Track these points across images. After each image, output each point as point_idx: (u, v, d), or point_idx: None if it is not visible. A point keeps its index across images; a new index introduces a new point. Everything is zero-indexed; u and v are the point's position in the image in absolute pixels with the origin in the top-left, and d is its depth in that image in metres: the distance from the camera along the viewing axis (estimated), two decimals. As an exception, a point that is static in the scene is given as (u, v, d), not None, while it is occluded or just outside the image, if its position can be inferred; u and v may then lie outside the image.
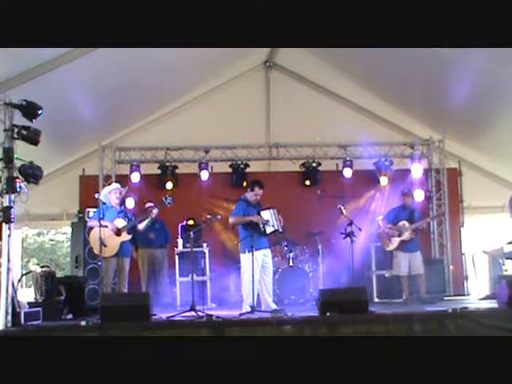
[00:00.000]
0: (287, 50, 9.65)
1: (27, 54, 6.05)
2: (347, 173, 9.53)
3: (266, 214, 6.66)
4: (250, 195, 6.75)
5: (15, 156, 5.05)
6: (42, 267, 6.98)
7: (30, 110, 5.18)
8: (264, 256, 6.62)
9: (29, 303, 5.80)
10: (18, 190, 4.98)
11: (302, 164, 9.81)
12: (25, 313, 5.21)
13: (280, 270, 8.20)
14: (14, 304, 5.06)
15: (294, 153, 9.78)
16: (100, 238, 6.39)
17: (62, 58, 6.61)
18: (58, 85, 7.12)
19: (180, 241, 8.50)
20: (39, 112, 5.24)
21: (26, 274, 8.31)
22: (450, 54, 6.92)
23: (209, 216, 7.44)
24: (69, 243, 12.82)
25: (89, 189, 8.84)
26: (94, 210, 7.58)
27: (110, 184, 8.15)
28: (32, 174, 5.16)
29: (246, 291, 6.47)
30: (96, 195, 7.01)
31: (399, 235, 7.74)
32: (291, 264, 8.31)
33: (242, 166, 9.61)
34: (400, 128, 10.36)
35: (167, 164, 9.53)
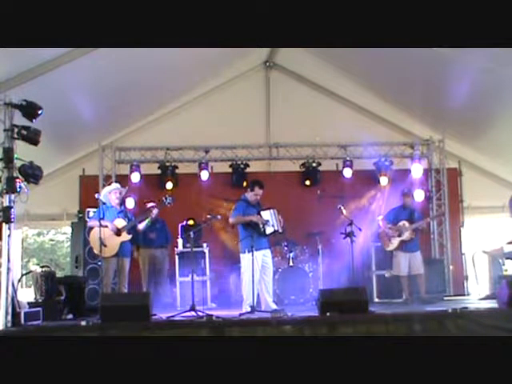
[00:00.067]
0: (287, 49, 9.65)
1: (27, 54, 6.05)
2: (347, 173, 9.53)
3: (266, 215, 6.66)
4: (249, 195, 6.75)
5: (15, 156, 5.06)
6: (42, 267, 6.99)
7: (30, 110, 5.18)
8: (264, 256, 6.62)
9: (29, 303, 5.81)
10: (18, 189, 4.99)
11: (302, 164, 9.81)
12: (25, 313, 5.21)
13: (280, 269, 8.20)
14: (14, 304, 5.07)
15: (294, 153, 9.79)
16: (100, 238, 6.39)
17: (62, 57, 6.61)
18: (58, 85, 7.12)
19: (180, 241, 8.50)
20: (39, 112, 5.25)
21: (26, 274, 8.31)
22: (449, 54, 6.92)
23: (209, 216, 7.44)
24: (69, 243, 12.82)
25: (89, 189, 8.84)
26: (94, 210, 7.58)
27: (109, 184, 8.15)
28: (32, 174, 5.16)
29: (246, 291, 6.47)
30: (96, 195, 7.01)
31: (399, 235, 7.74)
32: (291, 264, 8.31)
33: (242, 166, 9.61)
34: (400, 128, 10.36)
35: (167, 164, 9.53)
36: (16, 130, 5.07)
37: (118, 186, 7.17)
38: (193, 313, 6.04)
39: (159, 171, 9.54)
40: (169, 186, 9.39)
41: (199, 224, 7.87)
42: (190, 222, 8.55)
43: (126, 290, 6.82)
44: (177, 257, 8.39)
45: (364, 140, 9.51)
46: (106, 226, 6.60)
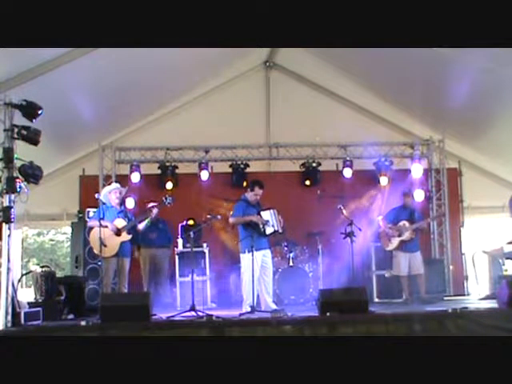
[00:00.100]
0: (287, 49, 9.65)
1: (27, 54, 6.05)
2: (347, 173, 9.52)
3: (266, 215, 6.66)
4: (249, 195, 6.75)
5: (15, 156, 5.06)
6: (42, 267, 6.99)
7: (30, 110, 5.18)
8: (264, 256, 6.62)
9: (29, 303, 5.80)
10: (18, 190, 4.99)
11: (302, 164, 9.81)
12: (25, 313, 5.21)
13: (280, 270, 8.20)
14: (14, 304, 5.07)
15: (294, 153, 9.78)
16: (100, 238, 6.39)
17: (62, 57, 6.60)
18: (58, 85, 7.11)
19: (180, 241, 8.49)
20: (39, 112, 5.25)
21: (26, 274, 8.31)
22: (450, 54, 6.92)
23: (209, 216, 7.44)
24: (69, 243, 12.82)
25: (89, 189, 8.84)
26: (94, 210, 7.57)
27: (110, 184, 8.14)
28: (32, 173, 5.16)
29: (246, 291, 6.47)
30: (96, 195, 7.01)
31: (399, 235, 7.74)
32: (291, 264, 8.31)
33: (242, 166, 9.61)
34: (400, 128, 10.36)
35: (167, 164, 9.53)
36: (16, 130, 5.07)
37: (117, 185, 7.17)
38: (193, 313, 6.04)
39: (159, 171, 9.54)
40: (169, 185, 9.39)
41: (199, 224, 7.87)
42: (190, 222, 8.54)
43: (125, 290, 6.81)
44: (177, 257, 8.38)
45: (364, 140, 9.52)
46: (106, 226, 6.60)
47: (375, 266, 8.70)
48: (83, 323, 5.12)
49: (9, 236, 4.95)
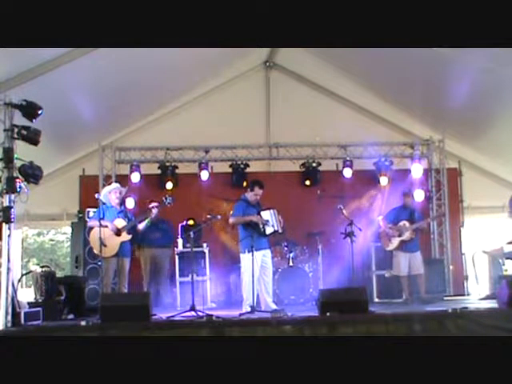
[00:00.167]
0: (287, 50, 9.65)
1: (27, 54, 6.05)
2: (347, 173, 9.52)
3: (266, 215, 6.66)
4: (249, 195, 6.75)
5: (15, 156, 5.06)
6: (42, 267, 6.99)
7: (30, 110, 5.18)
8: (263, 256, 6.62)
9: (29, 303, 5.80)
10: (18, 189, 4.99)
11: (302, 164, 9.81)
12: (25, 313, 5.21)
13: (280, 270, 8.20)
14: (14, 304, 5.07)
15: (294, 153, 9.78)
16: (100, 238, 6.39)
17: (62, 57, 6.60)
18: (58, 85, 7.11)
19: (180, 241, 8.49)
20: (39, 112, 5.25)
21: (26, 274, 8.31)
22: (450, 54, 6.92)
23: (209, 216, 7.44)
24: (69, 243, 12.81)
25: (89, 189, 8.83)
26: (94, 210, 7.57)
27: (110, 184, 8.15)
28: (32, 174, 5.16)
29: (246, 291, 6.48)
30: (96, 195, 7.01)
31: (399, 235, 7.74)
32: (291, 264, 8.31)
33: (242, 166, 9.60)
34: (400, 128, 10.36)
35: (167, 164, 9.52)
36: (16, 130, 5.07)
37: (117, 185, 7.17)
38: (193, 313, 6.04)
39: (159, 171, 9.54)
40: (169, 185, 9.39)
41: (199, 224, 7.87)
42: (190, 222, 8.54)
43: (125, 290, 6.82)
44: (177, 257, 8.37)
45: (364, 140, 9.52)
46: (106, 226, 6.60)
47: (375, 266, 8.69)
48: (83, 323, 5.12)
49: (9, 236, 4.95)
